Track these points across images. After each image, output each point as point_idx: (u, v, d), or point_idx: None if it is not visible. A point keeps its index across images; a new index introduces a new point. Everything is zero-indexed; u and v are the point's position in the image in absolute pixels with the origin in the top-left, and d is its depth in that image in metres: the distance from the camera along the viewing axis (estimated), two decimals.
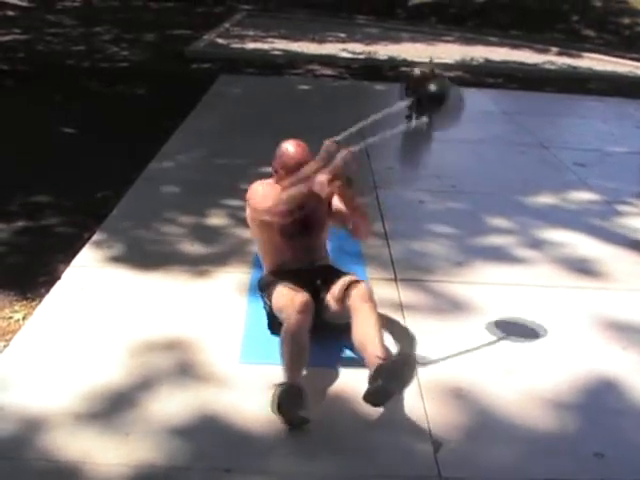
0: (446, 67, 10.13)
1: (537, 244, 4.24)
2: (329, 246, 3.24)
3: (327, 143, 2.86)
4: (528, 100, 8.84)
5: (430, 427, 2.54)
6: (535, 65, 11.24)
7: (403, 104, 2.89)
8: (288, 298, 2.81)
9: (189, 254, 3.84)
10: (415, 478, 2.35)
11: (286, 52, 10.93)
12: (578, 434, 2.58)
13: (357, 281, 2.90)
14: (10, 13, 13.91)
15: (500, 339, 3.15)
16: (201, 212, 4.39)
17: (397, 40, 12.77)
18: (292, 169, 2.93)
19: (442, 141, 6.71)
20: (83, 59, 9.68)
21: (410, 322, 3.22)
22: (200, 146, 5.80)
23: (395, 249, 3.99)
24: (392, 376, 2.50)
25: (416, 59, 9.73)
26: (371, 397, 2.51)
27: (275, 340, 2.86)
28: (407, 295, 3.48)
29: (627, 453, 2.52)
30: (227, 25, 13.36)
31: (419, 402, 2.66)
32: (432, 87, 2.87)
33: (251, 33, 12.64)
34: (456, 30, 14.36)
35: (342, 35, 12.90)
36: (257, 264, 3.56)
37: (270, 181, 3.06)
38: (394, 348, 2.95)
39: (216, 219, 4.32)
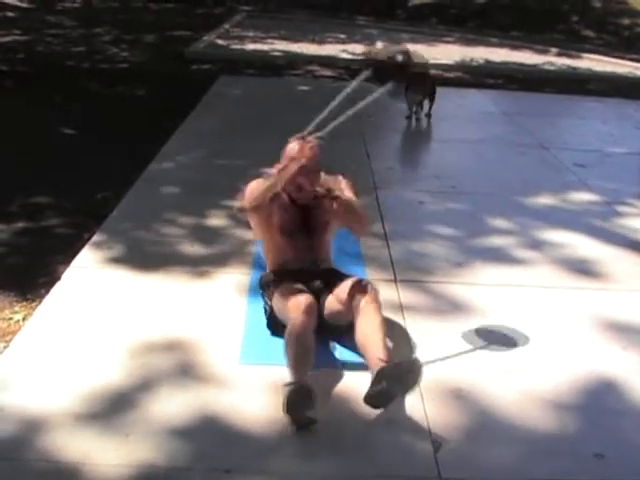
0: (446, 68, 10.17)
1: (537, 245, 4.24)
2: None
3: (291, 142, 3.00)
4: (528, 101, 8.85)
5: (430, 427, 2.54)
6: (535, 66, 11.25)
7: (383, 90, 3.10)
8: (292, 300, 2.80)
9: (189, 255, 3.84)
10: (415, 478, 2.35)
11: (286, 53, 10.93)
12: (578, 435, 2.58)
13: (363, 282, 2.90)
14: (10, 14, 13.90)
15: (499, 340, 3.15)
16: (201, 213, 4.39)
17: (397, 41, 12.76)
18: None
19: (442, 141, 6.75)
20: (83, 60, 9.68)
21: (410, 323, 3.22)
22: (200, 147, 5.80)
23: (395, 250, 3.99)
24: (396, 380, 2.50)
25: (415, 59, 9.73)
26: (372, 399, 2.51)
27: (275, 341, 2.86)
28: (407, 296, 3.48)
29: (627, 454, 2.52)
30: (227, 26, 13.36)
31: (419, 402, 2.66)
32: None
33: (251, 34, 12.64)
34: (456, 31, 14.36)
35: (342, 36, 12.90)
36: (257, 265, 3.56)
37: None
38: (394, 349, 2.94)
39: (216, 220, 4.32)
